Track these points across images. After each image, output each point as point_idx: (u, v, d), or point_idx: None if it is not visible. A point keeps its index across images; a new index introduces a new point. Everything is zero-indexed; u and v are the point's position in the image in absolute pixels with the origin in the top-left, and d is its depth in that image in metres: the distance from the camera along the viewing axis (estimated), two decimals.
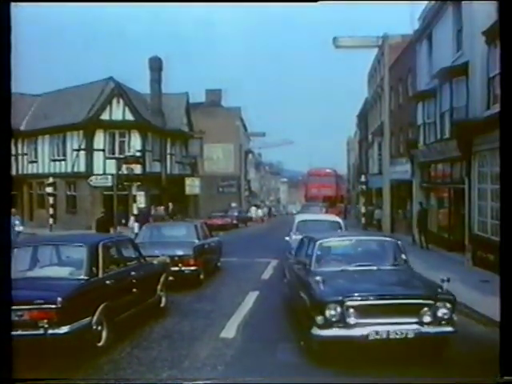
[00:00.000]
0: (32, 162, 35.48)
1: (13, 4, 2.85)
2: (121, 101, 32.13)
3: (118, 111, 32.11)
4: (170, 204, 32.06)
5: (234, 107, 54.19)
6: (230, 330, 8.48)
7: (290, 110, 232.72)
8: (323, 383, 5.06)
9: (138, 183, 29.28)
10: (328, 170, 42.62)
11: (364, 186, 40.57)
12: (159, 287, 9.79)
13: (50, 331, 6.36)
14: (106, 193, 30.58)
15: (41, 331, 6.35)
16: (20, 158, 35.71)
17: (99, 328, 7.17)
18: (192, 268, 12.47)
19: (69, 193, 33.25)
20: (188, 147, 40.48)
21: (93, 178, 31.48)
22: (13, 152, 33.84)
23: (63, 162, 33.47)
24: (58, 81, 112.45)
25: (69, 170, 33.09)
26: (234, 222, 40.09)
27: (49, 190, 31.87)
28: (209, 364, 6.76)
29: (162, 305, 9.96)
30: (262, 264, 16.77)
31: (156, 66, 35.24)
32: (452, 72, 17.48)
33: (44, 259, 7.98)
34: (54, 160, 34.02)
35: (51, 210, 30.98)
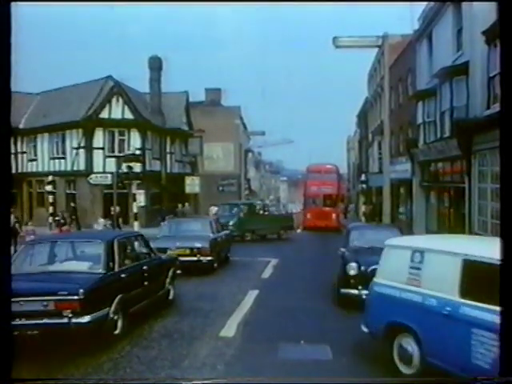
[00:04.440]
0: (31, 160, 35.45)
1: (13, 4, 2.84)
2: (120, 99, 32.09)
3: (117, 110, 32.07)
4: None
5: (233, 106, 54.10)
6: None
7: (290, 109, 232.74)
8: (323, 383, 5.06)
9: (138, 182, 29.33)
10: (329, 166, 38.11)
11: (364, 185, 40.64)
12: (168, 280, 10.40)
13: (74, 320, 6.90)
14: (105, 191, 30.57)
15: (65, 320, 6.88)
16: (19, 156, 35.65)
17: (115, 318, 7.74)
18: (208, 258, 14.18)
19: (68, 191, 33.20)
20: (188, 146, 40.46)
21: (92, 176, 31.46)
22: (12, 150, 33.81)
23: (63, 161, 33.43)
24: (58, 80, 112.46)
25: (68, 168, 33.05)
26: None
27: (48, 188, 31.86)
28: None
29: (171, 297, 10.53)
30: (262, 263, 16.78)
31: (156, 65, 35.19)
32: (452, 72, 17.48)
33: (64, 254, 8.61)
34: (54, 158, 33.98)
35: (51, 209, 30.98)
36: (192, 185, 37.47)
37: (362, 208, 39.19)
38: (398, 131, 28.33)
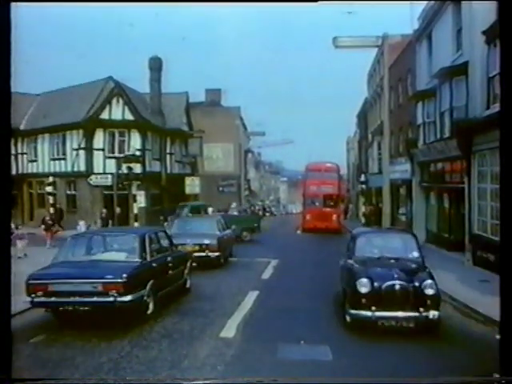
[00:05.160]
0: (32, 161, 35.44)
1: (13, 4, 2.85)
2: (120, 100, 32.11)
3: (117, 110, 32.08)
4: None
5: (233, 107, 54.12)
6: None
7: (290, 109, 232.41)
8: (323, 383, 5.06)
9: (138, 182, 29.31)
10: (329, 165, 36.13)
11: (364, 186, 40.60)
12: (186, 271, 11.99)
13: (118, 299, 8.43)
14: (105, 192, 30.58)
15: (111, 299, 8.42)
16: (20, 157, 35.65)
17: (148, 300, 9.26)
18: (216, 254, 15.58)
19: (69, 192, 33.21)
20: (188, 146, 40.46)
21: (93, 177, 31.46)
22: (13, 151, 33.82)
23: (63, 161, 33.44)
24: (58, 80, 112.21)
25: (69, 169, 33.05)
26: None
27: (49, 189, 31.83)
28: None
29: (188, 286, 12.12)
30: (262, 264, 16.78)
31: (156, 65, 35.21)
32: (452, 72, 17.48)
33: (104, 246, 10.17)
34: (54, 159, 33.98)
35: (51, 210, 30.96)
36: (192, 185, 37.46)
37: (362, 208, 39.14)
38: (398, 131, 28.33)
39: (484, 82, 15.07)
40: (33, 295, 8.63)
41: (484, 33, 14.36)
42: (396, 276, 8.38)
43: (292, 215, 64.82)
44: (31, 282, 8.71)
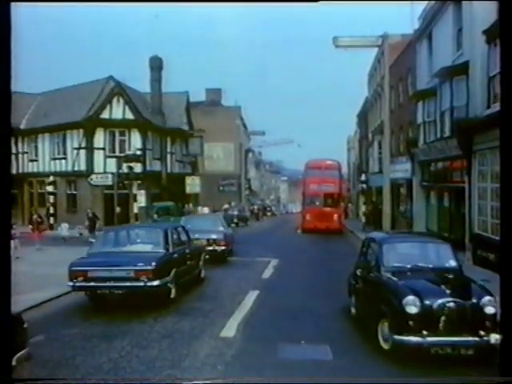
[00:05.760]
0: (32, 160, 35.47)
1: (13, 4, 2.85)
2: (121, 100, 32.13)
3: (118, 110, 32.11)
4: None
5: (233, 106, 54.18)
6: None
7: (290, 109, 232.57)
8: (323, 383, 5.05)
9: (139, 182, 29.32)
10: (330, 162, 34.13)
11: (364, 185, 40.60)
12: (201, 263, 13.40)
13: (148, 284, 9.79)
14: (106, 191, 30.60)
15: (142, 283, 9.78)
16: (20, 156, 35.68)
17: (171, 286, 10.60)
18: (222, 248, 16.94)
19: (69, 191, 33.24)
20: (188, 146, 40.49)
21: (93, 176, 31.49)
22: (13, 150, 33.84)
23: (63, 161, 33.47)
24: (58, 80, 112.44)
25: (69, 168, 33.09)
26: (235, 220, 40.04)
27: (49, 188, 31.89)
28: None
29: (202, 276, 13.44)
30: (262, 263, 16.79)
31: (156, 65, 35.23)
32: (452, 71, 17.47)
33: (132, 239, 11.60)
34: (55, 159, 34.01)
35: (52, 209, 30.99)
36: (192, 185, 37.51)
37: (362, 208, 39.10)
38: (398, 131, 28.32)
39: (484, 82, 15.07)
40: (74, 280, 10.05)
41: (484, 32, 14.35)
42: (448, 292, 7.08)
43: (292, 214, 64.86)
44: (73, 269, 10.15)
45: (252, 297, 11.32)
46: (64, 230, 24.92)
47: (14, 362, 4.27)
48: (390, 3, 16.87)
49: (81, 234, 25.01)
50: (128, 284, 9.85)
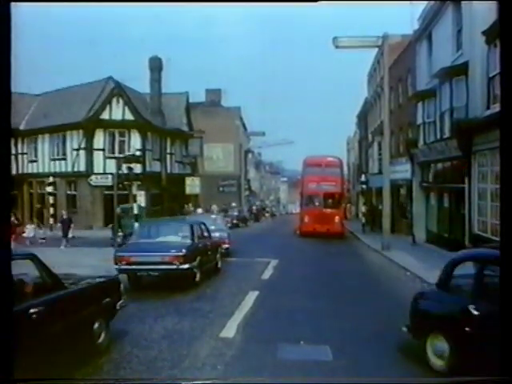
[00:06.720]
0: (32, 161, 35.48)
1: (13, 4, 2.85)
2: (120, 100, 32.14)
3: (117, 111, 32.12)
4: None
5: (233, 107, 54.16)
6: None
7: (290, 109, 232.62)
8: (323, 383, 5.06)
9: (138, 182, 29.29)
10: (331, 159, 30.89)
11: (364, 186, 40.61)
12: (218, 255, 15.42)
13: (180, 267, 11.82)
14: (106, 192, 30.59)
15: (174, 267, 11.81)
16: (20, 157, 35.69)
17: (196, 270, 12.52)
18: (226, 246, 17.90)
19: (69, 192, 33.24)
20: (188, 147, 40.49)
21: (93, 177, 31.49)
22: (13, 151, 33.84)
23: (63, 162, 33.48)
24: (58, 80, 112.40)
25: (69, 169, 33.09)
26: (234, 221, 40.06)
27: (49, 189, 31.85)
28: None
29: (219, 266, 15.38)
30: (262, 264, 16.78)
31: (156, 65, 35.25)
32: (452, 72, 17.49)
33: (164, 232, 13.42)
34: (54, 159, 34.02)
35: (52, 210, 30.97)
36: (192, 185, 37.51)
37: (362, 209, 39.10)
38: (398, 132, 28.33)
39: (484, 82, 15.08)
40: (119, 264, 11.99)
41: (484, 33, 14.37)
42: None
43: (292, 215, 64.83)
44: (118, 254, 12.31)
45: (252, 297, 11.32)
46: (31, 232, 23.97)
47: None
48: (390, 3, 16.90)
49: (44, 238, 24.60)
50: (163, 267, 11.86)
